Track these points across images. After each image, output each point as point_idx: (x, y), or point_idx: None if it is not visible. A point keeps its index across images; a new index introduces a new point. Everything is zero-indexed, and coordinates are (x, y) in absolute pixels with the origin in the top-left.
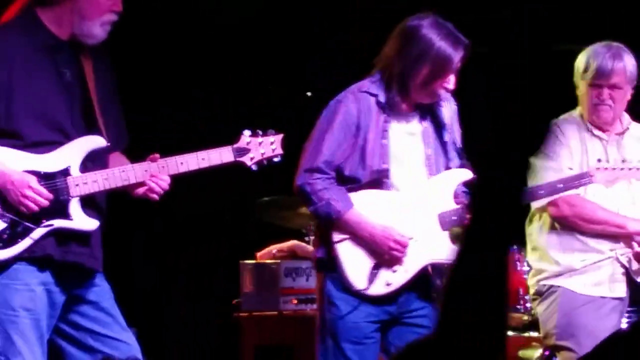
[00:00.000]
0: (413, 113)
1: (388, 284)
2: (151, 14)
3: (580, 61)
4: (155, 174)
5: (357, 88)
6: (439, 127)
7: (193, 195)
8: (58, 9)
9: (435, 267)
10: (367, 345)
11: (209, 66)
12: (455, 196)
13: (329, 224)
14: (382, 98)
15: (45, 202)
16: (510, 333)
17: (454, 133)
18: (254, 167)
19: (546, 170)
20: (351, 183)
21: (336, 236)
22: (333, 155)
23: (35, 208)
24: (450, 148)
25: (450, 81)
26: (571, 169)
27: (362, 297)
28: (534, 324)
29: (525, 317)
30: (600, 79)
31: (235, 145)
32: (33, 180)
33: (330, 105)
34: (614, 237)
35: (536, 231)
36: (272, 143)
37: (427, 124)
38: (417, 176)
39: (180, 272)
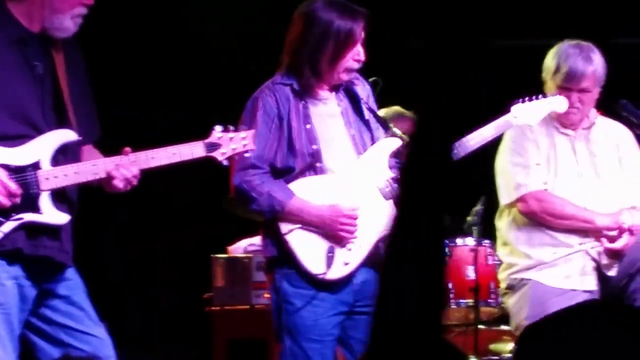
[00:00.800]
0: (329, 95)
1: (346, 264)
2: (125, 10)
3: (550, 61)
4: (123, 166)
5: (270, 82)
6: (357, 106)
7: (164, 189)
8: (28, 2)
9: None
10: (327, 342)
11: (180, 63)
12: (390, 166)
13: (273, 218)
14: (296, 85)
15: (15, 199)
16: (481, 327)
17: (374, 109)
18: (225, 162)
19: (514, 166)
20: (286, 174)
21: (284, 228)
22: (263, 150)
23: (7, 203)
24: (373, 123)
25: (360, 53)
26: (539, 164)
27: (318, 288)
28: (504, 318)
29: (496, 311)
30: (570, 82)
31: (206, 141)
32: (2, 174)
33: (249, 104)
34: (583, 232)
35: (505, 226)
36: (243, 138)
37: (345, 104)
38: (347, 156)
39: (151, 266)
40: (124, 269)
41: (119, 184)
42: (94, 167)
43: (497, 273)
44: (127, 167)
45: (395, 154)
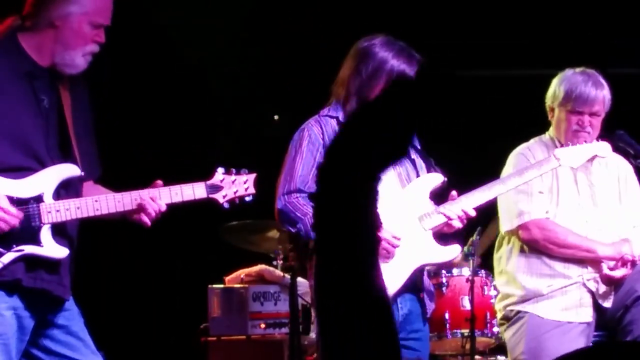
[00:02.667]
0: None
1: None
2: (130, 52)
3: (558, 87)
4: (155, 198)
5: (317, 115)
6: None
7: (161, 218)
8: (40, 37)
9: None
10: None
11: (179, 102)
12: (432, 198)
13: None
14: (342, 118)
15: (15, 222)
16: (477, 357)
17: (417, 147)
18: (225, 205)
19: (517, 193)
20: None
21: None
22: (307, 176)
23: (6, 228)
24: (418, 163)
25: None
26: (541, 192)
27: None
28: (500, 348)
29: (492, 341)
30: (583, 106)
31: (208, 182)
32: (3, 201)
33: (295, 135)
34: (581, 262)
35: (505, 255)
36: (245, 182)
37: None
38: (391, 189)
39: (148, 295)
40: (120, 298)
41: (143, 217)
42: (96, 202)
43: (493, 304)
44: (156, 200)
45: (437, 189)
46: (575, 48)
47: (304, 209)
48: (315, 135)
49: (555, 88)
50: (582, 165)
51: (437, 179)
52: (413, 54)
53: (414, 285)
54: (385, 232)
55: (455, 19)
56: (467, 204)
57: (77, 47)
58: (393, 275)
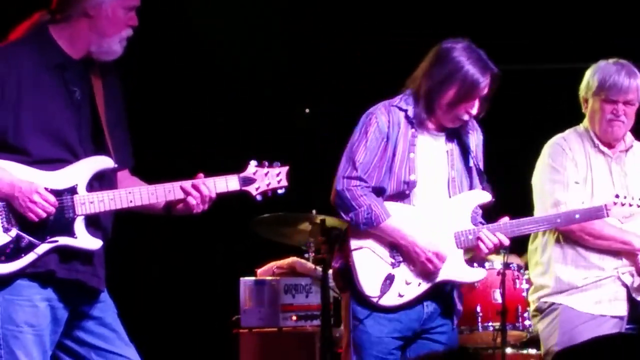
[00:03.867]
0: (440, 133)
1: (400, 295)
2: (162, 43)
3: (592, 78)
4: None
5: (388, 102)
6: (465, 152)
7: (195, 216)
8: (74, 28)
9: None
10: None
11: (213, 93)
12: (473, 217)
13: (356, 233)
14: (410, 113)
15: (52, 209)
16: (508, 350)
17: (478, 159)
18: (258, 197)
19: (553, 183)
20: (376, 194)
21: (354, 244)
22: (369, 164)
23: (43, 214)
24: (475, 173)
25: (474, 106)
26: (577, 182)
27: (387, 310)
28: (532, 342)
29: (524, 335)
30: (618, 95)
31: (241, 175)
32: (41, 187)
33: (363, 118)
34: (617, 254)
35: (541, 246)
36: (277, 174)
37: (453, 147)
38: (439, 195)
39: (180, 288)
40: (153, 291)
41: (192, 203)
42: (129, 194)
43: (525, 296)
44: (202, 188)
45: (479, 210)
46: (606, 41)
47: (361, 200)
48: (383, 123)
49: (589, 79)
50: (616, 155)
51: (484, 197)
52: (489, 65)
53: (441, 290)
54: (432, 253)
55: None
56: (504, 234)
57: (114, 34)
58: (416, 283)
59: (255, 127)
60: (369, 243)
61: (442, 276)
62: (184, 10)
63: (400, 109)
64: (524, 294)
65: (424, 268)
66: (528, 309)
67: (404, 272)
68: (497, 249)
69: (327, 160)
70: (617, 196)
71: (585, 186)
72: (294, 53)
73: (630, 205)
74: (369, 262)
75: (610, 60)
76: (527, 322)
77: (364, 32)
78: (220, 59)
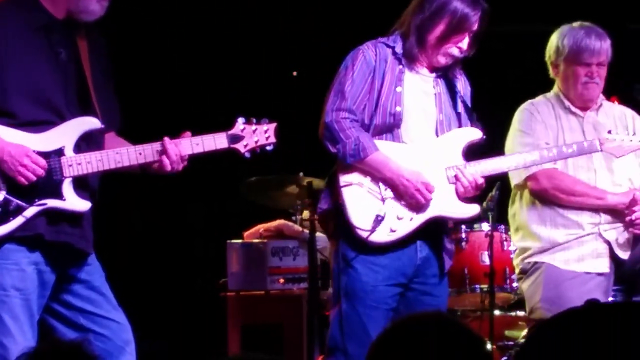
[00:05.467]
0: (429, 75)
1: (392, 231)
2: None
3: (562, 42)
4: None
5: (376, 40)
6: (453, 97)
7: (180, 175)
8: None
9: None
10: (383, 311)
11: (198, 53)
12: (463, 153)
13: (344, 168)
14: (399, 49)
15: (42, 172)
16: (496, 312)
17: (467, 100)
18: (247, 155)
19: (524, 146)
20: (367, 129)
21: (343, 181)
22: (358, 97)
23: (33, 178)
24: (463, 118)
25: (465, 42)
26: (548, 143)
27: (380, 255)
28: (520, 304)
29: (512, 297)
30: (591, 58)
31: (229, 132)
32: (30, 151)
33: (350, 53)
34: (595, 211)
35: (518, 210)
36: (265, 131)
37: (441, 89)
38: (426, 133)
39: (168, 251)
40: (140, 254)
41: (165, 162)
42: (117, 155)
43: (512, 259)
44: (175, 149)
45: (471, 145)
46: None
47: (349, 132)
48: (370, 57)
49: (558, 44)
50: (587, 114)
51: (475, 134)
52: (478, 1)
53: (433, 234)
54: (420, 183)
55: None
56: (477, 170)
57: None
58: (408, 218)
59: (243, 89)
60: (359, 179)
61: (434, 210)
62: None
63: (388, 45)
64: (512, 256)
65: (414, 201)
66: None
67: (395, 207)
68: (475, 188)
69: (314, 123)
70: (609, 132)
71: (557, 145)
72: (282, 17)
73: (622, 140)
74: (359, 198)
75: (575, 24)
76: (515, 284)
77: None
78: (206, 20)
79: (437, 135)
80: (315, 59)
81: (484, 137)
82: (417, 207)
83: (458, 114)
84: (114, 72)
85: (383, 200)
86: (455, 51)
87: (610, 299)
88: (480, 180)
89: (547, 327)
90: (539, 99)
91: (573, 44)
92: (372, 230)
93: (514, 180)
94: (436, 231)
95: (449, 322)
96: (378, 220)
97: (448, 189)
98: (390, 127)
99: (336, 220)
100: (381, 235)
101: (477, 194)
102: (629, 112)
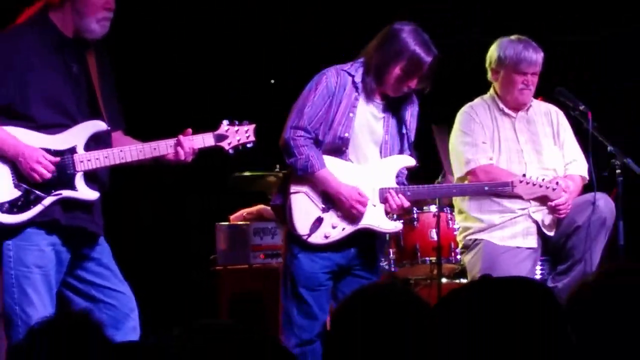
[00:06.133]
0: (381, 102)
1: (326, 237)
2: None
3: (503, 53)
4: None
5: (339, 66)
6: (400, 121)
7: (179, 169)
8: (63, 11)
9: (377, 232)
10: (321, 291)
11: (188, 64)
12: (397, 177)
13: (295, 178)
14: (357, 79)
15: (48, 174)
16: (443, 280)
17: (410, 129)
18: (230, 151)
19: (464, 145)
20: (317, 145)
21: (293, 188)
22: (314, 117)
23: (47, 175)
24: (405, 140)
25: (414, 83)
26: (485, 142)
27: (318, 250)
28: (462, 273)
29: (456, 267)
30: (528, 68)
31: (215, 132)
32: (41, 154)
33: (316, 77)
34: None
35: (460, 198)
36: (246, 131)
37: (389, 115)
38: (372, 154)
39: (167, 233)
40: (143, 236)
41: (180, 153)
42: (121, 152)
43: (456, 236)
44: (187, 141)
45: (405, 170)
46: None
47: (302, 149)
48: (331, 84)
49: (500, 54)
50: (519, 115)
51: (409, 162)
52: (432, 49)
53: (364, 239)
54: (355, 201)
55: None
56: (410, 196)
57: (90, 15)
58: (341, 228)
59: (228, 95)
60: (306, 189)
61: (363, 223)
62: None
63: (349, 74)
64: (456, 233)
65: (348, 214)
66: (459, 246)
67: (331, 217)
68: (400, 209)
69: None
70: (524, 175)
71: (493, 144)
72: (264, 32)
73: (534, 184)
74: (303, 205)
75: (513, 37)
76: (458, 257)
77: (328, 13)
78: (196, 36)
79: (382, 154)
80: (290, 70)
81: (417, 165)
82: (350, 219)
83: (402, 135)
84: (120, 82)
85: (323, 210)
86: (405, 89)
87: (538, 267)
88: (407, 204)
89: (458, 292)
90: (477, 101)
91: (513, 54)
92: (309, 235)
93: (457, 173)
94: (367, 240)
95: (402, 289)
96: (315, 226)
97: (378, 207)
98: (338, 148)
99: (283, 215)
100: (317, 239)
101: (401, 214)
102: (553, 108)
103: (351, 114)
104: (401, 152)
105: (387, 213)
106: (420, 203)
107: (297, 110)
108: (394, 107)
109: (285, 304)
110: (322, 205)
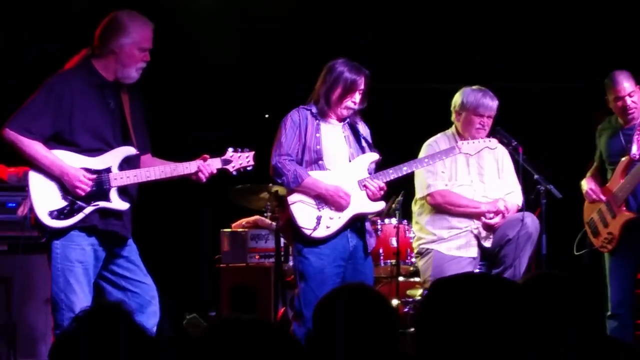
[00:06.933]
0: (338, 123)
1: (328, 227)
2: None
3: (466, 99)
4: (205, 166)
5: (298, 107)
6: (357, 136)
7: (190, 186)
8: (106, 60)
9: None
10: (330, 284)
11: (201, 103)
12: (368, 171)
13: (290, 193)
14: (314, 110)
15: (87, 189)
16: (401, 278)
17: (368, 138)
18: (234, 173)
19: (427, 172)
20: (300, 163)
21: (290, 201)
22: (290, 145)
23: (87, 189)
24: (365, 149)
25: (357, 99)
26: (443, 172)
27: (323, 247)
28: (416, 273)
29: (411, 268)
30: (485, 111)
31: (222, 157)
32: (82, 173)
33: (284, 118)
34: (469, 217)
35: (417, 212)
36: (247, 157)
37: (348, 133)
38: (343, 162)
39: (181, 238)
40: (161, 239)
41: (202, 176)
42: (146, 172)
43: (412, 242)
44: (207, 167)
45: (373, 165)
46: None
47: (288, 167)
48: (295, 118)
49: (463, 99)
50: (475, 154)
51: (373, 157)
52: (362, 69)
53: (357, 228)
54: (341, 191)
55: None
56: (382, 178)
57: (131, 66)
58: (337, 217)
59: (232, 127)
60: (300, 197)
61: (353, 210)
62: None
63: (306, 109)
64: (412, 240)
65: (339, 205)
66: (414, 252)
67: (327, 212)
68: (379, 189)
69: None
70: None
71: (450, 174)
72: (258, 72)
73: (475, 141)
74: (303, 209)
75: (475, 87)
76: (413, 260)
77: (309, 58)
78: (202, 73)
79: (350, 161)
80: (280, 107)
81: (380, 157)
82: (341, 209)
83: (362, 147)
84: (147, 113)
85: (318, 208)
86: (351, 104)
87: (477, 270)
88: (382, 184)
89: (442, 284)
90: (439, 136)
91: (474, 100)
92: (314, 229)
93: (418, 194)
94: (360, 227)
95: (366, 289)
96: (318, 221)
97: (361, 194)
98: (315, 160)
99: (291, 228)
100: (321, 232)
101: (382, 194)
102: (500, 147)
103: (317, 134)
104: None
105: (369, 198)
106: (383, 215)
107: (277, 143)
108: (350, 128)
109: (297, 300)
110: (317, 206)
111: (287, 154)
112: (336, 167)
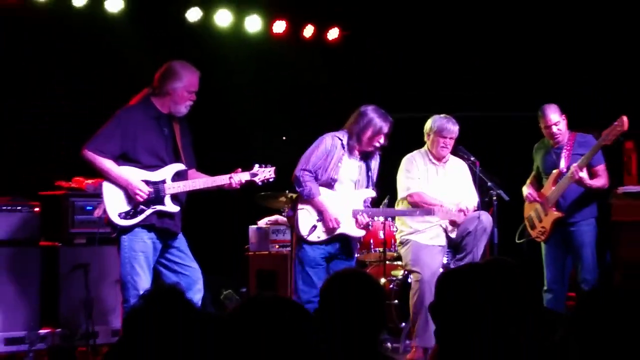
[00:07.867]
0: (358, 156)
1: (318, 237)
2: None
3: (434, 124)
4: (235, 178)
5: (334, 133)
6: (368, 168)
7: (226, 193)
8: (162, 99)
9: (350, 237)
10: (319, 269)
11: (231, 127)
12: (364, 202)
13: (301, 200)
14: (345, 142)
15: (146, 196)
16: (387, 262)
17: (374, 173)
18: (259, 184)
19: (406, 178)
20: (317, 181)
21: (299, 206)
22: (315, 164)
23: (143, 198)
24: (370, 181)
25: (382, 140)
26: (419, 178)
27: (314, 244)
28: (398, 258)
29: (395, 254)
30: (448, 134)
31: (250, 171)
32: (142, 185)
33: (321, 137)
34: None
35: (400, 209)
36: (269, 171)
37: (362, 164)
38: (349, 187)
39: (218, 232)
40: (204, 234)
41: (235, 185)
42: (193, 183)
43: (395, 234)
44: (238, 178)
45: (369, 199)
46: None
47: (307, 182)
48: (328, 144)
49: (432, 124)
50: (440, 164)
51: (370, 194)
52: (388, 117)
53: (345, 238)
54: (336, 220)
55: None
56: (368, 216)
57: (181, 104)
58: (327, 234)
59: (255, 147)
60: (307, 207)
61: (340, 231)
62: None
63: (339, 138)
64: (395, 233)
65: (331, 226)
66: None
67: (321, 226)
68: (365, 224)
69: (295, 166)
70: (441, 205)
71: (425, 180)
72: (276, 103)
73: (447, 212)
74: (305, 217)
75: (442, 115)
76: (396, 247)
77: (323, 89)
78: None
79: (355, 187)
80: (296, 131)
81: (375, 197)
82: (332, 229)
83: (369, 177)
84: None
85: (317, 220)
86: (377, 144)
87: (445, 257)
88: (367, 220)
89: (450, 274)
90: (415, 152)
91: (440, 125)
92: (308, 235)
93: (400, 195)
94: (346, 239)
95: (360, 273)
96: (313, 229)
97: (351, 221)
98: (329, 184)
99: (292, 222)
100: (312, 238)
101: (367, 228)
102: (461, 162)
103: (339, 164)
104: (367, 187)
105: (357, 226)
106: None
107: (306, 158)
108: (365, 160)
109: (295, 278)
110: (316, 218)
111: (310, 170)
112: (341, 192)
